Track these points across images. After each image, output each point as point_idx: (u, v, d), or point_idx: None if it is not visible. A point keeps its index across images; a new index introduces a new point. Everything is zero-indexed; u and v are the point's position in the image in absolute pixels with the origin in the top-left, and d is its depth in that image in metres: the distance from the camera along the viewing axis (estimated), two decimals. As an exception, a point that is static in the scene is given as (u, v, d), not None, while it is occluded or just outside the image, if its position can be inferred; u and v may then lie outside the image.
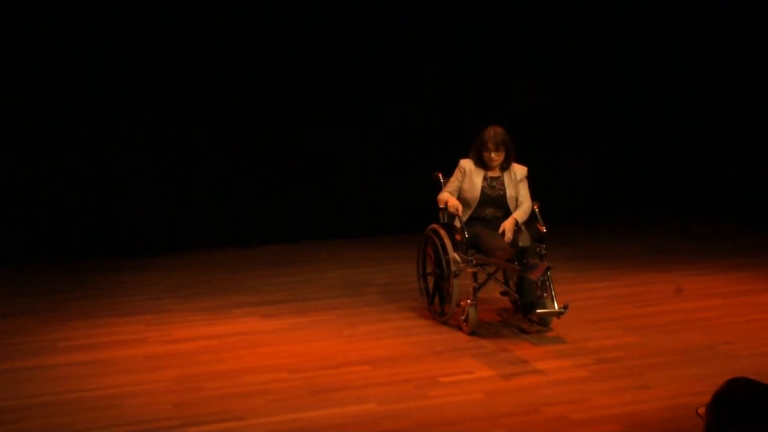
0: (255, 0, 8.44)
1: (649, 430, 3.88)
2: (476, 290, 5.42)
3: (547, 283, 5.38)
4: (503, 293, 5.81)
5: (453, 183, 5.69)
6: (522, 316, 5.56)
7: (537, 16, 9.22)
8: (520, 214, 5.56)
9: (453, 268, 5.48)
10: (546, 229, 5.56)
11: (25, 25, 7.91)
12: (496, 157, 5.57)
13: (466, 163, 5.65)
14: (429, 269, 5.94)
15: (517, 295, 5.45)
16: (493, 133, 5.56)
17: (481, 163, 5.62)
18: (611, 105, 9.56)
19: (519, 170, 5.68)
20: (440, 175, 5.84)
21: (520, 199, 5.64)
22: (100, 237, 8.28)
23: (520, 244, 5.27)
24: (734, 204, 9.11)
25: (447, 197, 5.64)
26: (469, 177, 5.61)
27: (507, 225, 5.48)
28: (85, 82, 8.10)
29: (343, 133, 8.82)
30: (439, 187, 5.81)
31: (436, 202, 5.79)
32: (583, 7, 9.28)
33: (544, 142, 9.16)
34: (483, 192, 5.58)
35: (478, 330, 5.41)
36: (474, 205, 5.59)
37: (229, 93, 8.47)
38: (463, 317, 5.45)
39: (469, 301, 5.37)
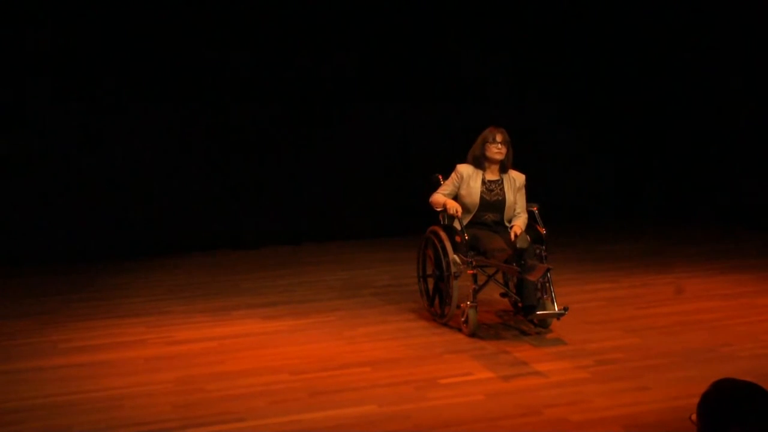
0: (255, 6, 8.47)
1: (649, 432, 3.89)
2: (476, 292, 5.42)
3: (547, 284, 5.38)
4: (503, 295, 5.81)
5: (448, 186, 5.69)
6: (522, 317, 5.56)
7: (540, 15, 9.25)
8: (521, 224, 5.57)
9: (453, 269, 5.47)
10: (546, 230, 5.57)
11: (30, 22, 7.93)
12: (502, 149, 5.57)
13: (464, 168, 5.65)
14: (429, 271, 5.94)
15: (517, 297, 5.45)
16: (498, 129, 5.62)
17: (481, 162, 5.61)
18: (612, 107, 9.58)
19: (518, 177, 5.69)
20: (441, 177, 5.84)
21: (518, 209, 5.64)
22: (101, 239, 8.29)
23: (518, 246, 5.27)
24: (735, 205, 9.11)
25: (445, 199, 5.64)
26: (466, 182, 5.60)
27: (516, 230, 5.49)
28: (87, 84, 8.12)
29: (344, 135, 8.84)
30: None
31: (430, 205, 5.79)
32: (587, 8, 9.31)
33: (545, 143, 9.18)
34: (482, 197, 5.58)
35: (478, 331, 5.41)
36: (474, 210, 5.59)
37: (230, 94, 8.49)
38: (463, 319, 5.44)
39: (469, 302, 5.37)
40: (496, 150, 5.58)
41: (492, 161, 5.62)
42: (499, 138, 5.58)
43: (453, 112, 8.79)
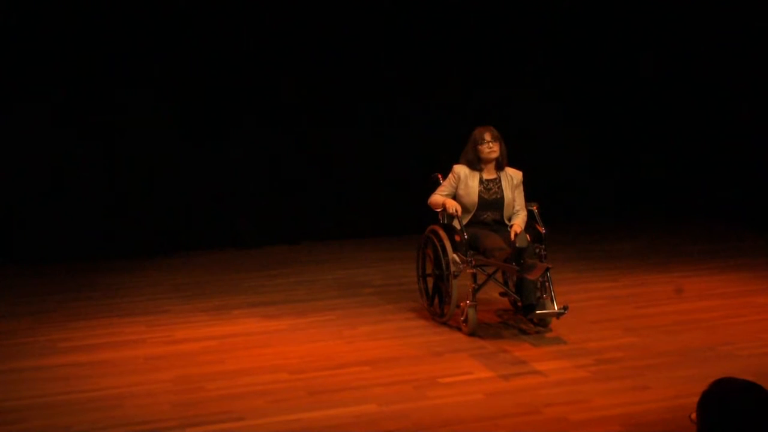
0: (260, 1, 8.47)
1: (649, 431, 3.88)
2: (475, 291, 5.42)
3: (547, 283, 5.38)
4: (503, 294, 5.81)
5: (446, 188, 5.69)
6: (522, 316, 5.57)
7: (539, 14, 9.25)
8: (521, 223, 5.57)
9: (452, 269, 5.47)
10: (545, 229, 5.57)
11: (37, 24, 7.93)
12: (494, 147, 5.56)
13: (460, 169, 5.65)
14: (429, 270, 5.93)
15: (516, 296, 5.45)
16: (486, 128, 5.62)
17: (476, 164, 5.61)
18: (612, 105, 9.57)
19: (515, 174, 5.69)
20: (440, 176, 5.84)
21: (517, 206, 5.64)
22: (101, 238, 8.29)
23: (517, 245, 5.26)
24: (734, 204, 9.11)
25: (444, 199, 5.64)
26: (464, 182, 5.60)
27: (516, 229, 5.49)
28: (88, 85, 8.11)
29: (343, 134, 8.83)
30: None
31: (428, 206, 5.79)
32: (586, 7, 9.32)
33: (545, 142, 9.17)
34: (480, 196, 5.58)
35: (477, 331, 5.41)
36: (473, 209, 5.59)
37: (229, 94, 8.48)
38: (462, 318, 5.45)
39: (468, 301, 5.37)
40: (488, 150, 5.58)
41: (487, 161, 5.62)
42: (488, 137, 5.57)
43: (453, 111, 8.77)
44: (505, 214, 5.62)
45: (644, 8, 9.34)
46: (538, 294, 5.37)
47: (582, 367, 4.74)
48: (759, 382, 2.15)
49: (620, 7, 9.36)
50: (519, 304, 5.46)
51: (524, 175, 5.72)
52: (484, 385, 4.51)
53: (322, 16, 8.63)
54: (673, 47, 9.44)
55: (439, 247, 5.66)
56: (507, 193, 5.61)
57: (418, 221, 6.48)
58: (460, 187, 5.62)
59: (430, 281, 5.91)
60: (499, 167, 5.66)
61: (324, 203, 8.88)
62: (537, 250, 5.43)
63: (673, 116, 9.63)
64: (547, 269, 5.19)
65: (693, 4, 9.12)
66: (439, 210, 5.73)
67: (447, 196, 5.66)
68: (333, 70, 8.72)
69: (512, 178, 5.66)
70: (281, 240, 8.73)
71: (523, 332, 5.47)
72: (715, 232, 8.80)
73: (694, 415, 2.19)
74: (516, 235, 5.39)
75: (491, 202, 5.60)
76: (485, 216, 5.60)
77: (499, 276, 5.64)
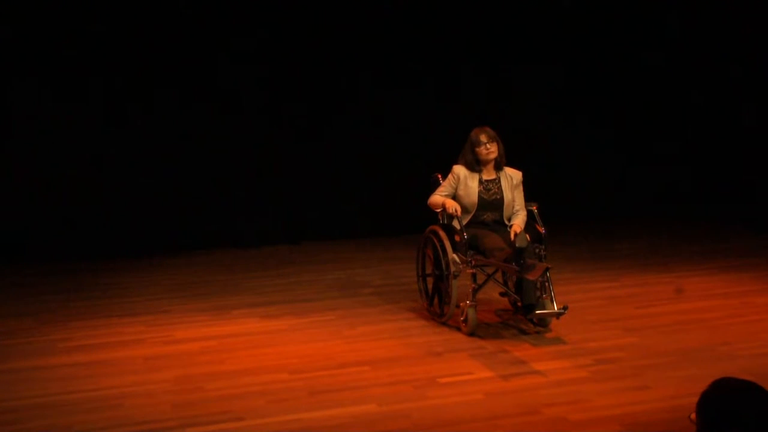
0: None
1: (649, 431, 3.88)
2: (475, 291, 5.42)
3: (547, 283, 5.38)
4: (502, 294, 5.82)
5: (446, 188, 5.69)
6: (521, 316, 5.57)
7: (540, 14, 9.25)
8: (520, 223, 5.58)
9: (452, 269, 5.47)
10: (545, 229, 5.57)
11: (30, 27, 7.93)
12: (492, 148, 5.56)
13: (460, 170, 5.65)
14: (428, 270, 5.94)
15: (516, 296, 5.44)
16: (482, 129, 5.62)
17: (475, 165, 5.61)
18: (613, 105, 9.58)
19: (515, 174, 5.69)
20: (440, 176, 5.84)
21: (516, 206, 5.64)
22: (100, 238, 8.29)
23: (517, 245, 5.27)
24: (734, 205, 9.11)
25: (444, 199, 5.64)
26: (464, 183, 5.60)
27: (516, 229, 5.49)
28: (85, 84, 8.11)
29: (343, 134, 8.84)
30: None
31: (428, 206, 5.79)
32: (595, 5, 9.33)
33: (545, 142, 9.17)
34: (480, 197, 5.58)
35: (477, 331, 5.41)
36: (473, 210, 5.59)
37: (229, 93, 8.48)
38: (462, 318, 5.45)
39: (468, 302, 5.37)
40: (486, 151, 5.58)
41: (485, 162, 5.62)
42: (484, 138, 5.57)
43: (453, 110, 8.77)
44: (505, 214, 5.62)
45: (648, 7, 9.33)
46: (538, 294, 5.37)
47: (582, 367, 4.74)
48: (759, 382, 2.15)
49: (625, 5, 9.35)
50: (519, 304, 5.45)
51: (524, 175, 5.71)
52: (484, 385, 4.51)
53: (322, 15, 8.63)
54: (674, 47, 9.44)
55: (438, 247, 5.66)
56: (507, 194, 5.61)
57: (418, 221, 6.47)
58: (459, 187, 5.62)
59: (430, 281, 5.91)
60: (498, 167, 5.66)
61: (324, 203, 8.88)
62: (537, 250, 5.43)
63: (673, 116, 9.62)
64: (547, 269, 5.18)
65: (696, 4, 9.12)
66: (438, 210, 5.73)
67: (447, 196, 5.66)
68: (333, 70, 8.72)
69: (512, 178, 5.66)
70: (281, 240, 8.73)
71: (523, 332, 5.47)
72: (714, 232, 8.80)
73: (694, 415, 2.19)
74: (516, 235, 5.39)
75: (491, 203, 5.60)
76: (485, 216, 5.60)
77: (498, 276, 5.64)
